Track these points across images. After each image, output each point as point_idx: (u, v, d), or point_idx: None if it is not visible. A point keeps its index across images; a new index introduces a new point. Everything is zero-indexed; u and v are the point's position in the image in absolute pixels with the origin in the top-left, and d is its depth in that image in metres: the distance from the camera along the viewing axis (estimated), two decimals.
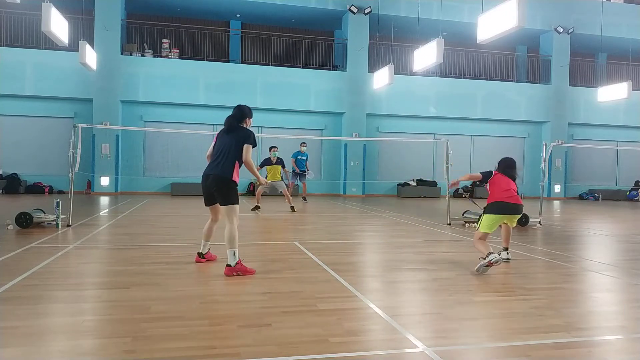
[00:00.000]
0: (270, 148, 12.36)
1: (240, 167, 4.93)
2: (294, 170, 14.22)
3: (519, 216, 5.59)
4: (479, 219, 5.59)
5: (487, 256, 4.92)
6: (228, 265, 4.74)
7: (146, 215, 10.27)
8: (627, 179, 22.52)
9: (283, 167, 12.34)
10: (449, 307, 3.83)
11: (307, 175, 14.37)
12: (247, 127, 5.04)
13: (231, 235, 4.78)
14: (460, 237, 7.75)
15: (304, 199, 14.82)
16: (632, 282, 4.88)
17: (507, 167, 5.63)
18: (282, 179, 12.26)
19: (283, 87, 18.45)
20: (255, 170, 5.08)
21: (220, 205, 4.92)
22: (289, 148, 14.93)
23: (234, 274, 4.70)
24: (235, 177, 4.86)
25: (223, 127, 5.00)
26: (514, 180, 5.57)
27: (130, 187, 17.87)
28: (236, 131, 4.89)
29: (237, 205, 4.92)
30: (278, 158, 12.23)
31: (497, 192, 5.46)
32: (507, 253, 5.71)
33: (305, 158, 14.42)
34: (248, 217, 10.30)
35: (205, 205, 5.11)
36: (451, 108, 19.90)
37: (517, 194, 5.55)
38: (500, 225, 5.60)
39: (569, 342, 3.09)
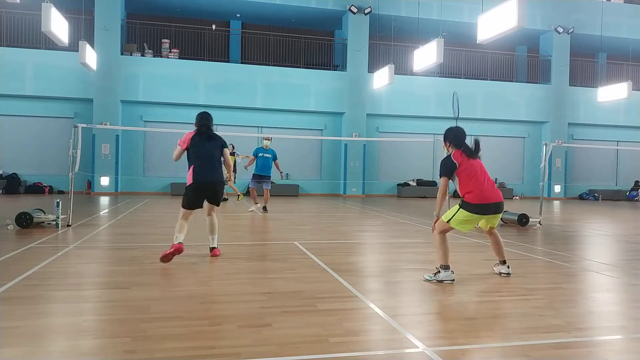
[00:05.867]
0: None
1: None
2: (253, 175, 11.16)
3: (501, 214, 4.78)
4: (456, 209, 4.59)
5: (440, 270, 4.50)
6: (215, 249, 5.70)
7: (146, 215, 10.27)
8: (627, 179, 22.52)
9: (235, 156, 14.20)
10: (449, 307, 3.83)
11: (270, 182, 11.37)
12: None
13: (216, 223, 5.79)
14: (461, 237, 7.74)
15: (264, 208, 11.31)
16: (632, 282, 4.88)
17: (467, 147, 4.62)
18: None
19: (283, 87, 18.46)
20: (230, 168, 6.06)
21: (215, 204, 5.63)
22: (288, 148, 14.90)
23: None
24: None
25: (197, 132, 5.48)
26: (479, 158, 4.66)
27: (130, 187, 17.88)
28: (215, 137, 5.59)
29: None
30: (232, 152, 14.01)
31: (475, 185, 4.51)
32: (508, 267, 4.91)
33: (270, 156, 11.20)
34: (248, 217, 10.31)
35: (193, 207, 5.45)
36: (451, 108, 19.86)
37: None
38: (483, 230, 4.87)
39: (569, 342, 3.08)
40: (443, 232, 4.68)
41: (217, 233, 5.76)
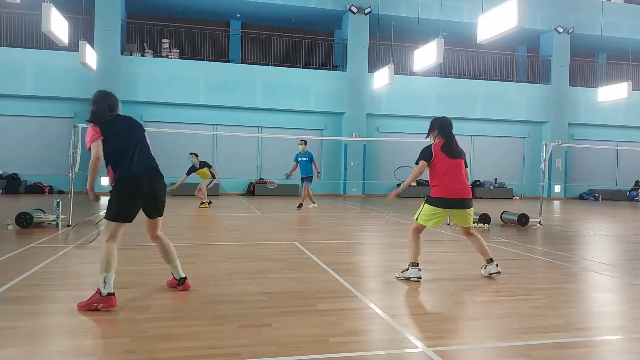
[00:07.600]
0: (190, 154, 13.16)
1: None
2: (301, 178, 12.67)
3: (471, 211, 4.67)
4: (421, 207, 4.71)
5: (409, 267, 4.56)
6: (185, 279, 4.11)
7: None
8: (627, 179, 22.52)
9: (209, 167, 13.12)
10: (449, 307, 3.82)
11: (310, 182, 12.63)
12: None
13: (172, 246, 4.18)
14: (461, 237, 7.73)
15: (300, 205, 12.75)
16: (632, 282, 4.88)
17: (451, 136, 4.68)
18: (212, 176, 13.06)
19: (283, 87, 18.46)
20: None
21: (159, 215, 4.05)
22: (289, 148, 14.90)
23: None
24: None
25: (108, 118, 3.76)
26: (462, 157, 4.70)
27: None
28: (132, 121, 3.95)
29: None
30: (201, 162, 13.05)
31: (442, 180, 4.56)
32: (497, 265, 4.77)
33: (307, 159, 12.66)
34: (248, 217, 10.32)
35: (129, 220, 3.79)
36: (451, 108, 19.88)
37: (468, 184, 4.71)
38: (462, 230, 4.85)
39: (569, 342, 3.09)
40: (416, 231, 4.75)
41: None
